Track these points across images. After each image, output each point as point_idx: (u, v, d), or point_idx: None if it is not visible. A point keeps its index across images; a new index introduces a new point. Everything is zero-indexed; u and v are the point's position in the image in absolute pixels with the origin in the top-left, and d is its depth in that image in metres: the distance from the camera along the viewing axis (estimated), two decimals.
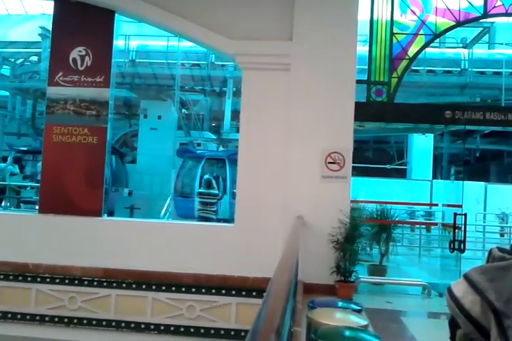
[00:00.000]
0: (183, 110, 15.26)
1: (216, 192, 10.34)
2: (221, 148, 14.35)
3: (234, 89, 13.74)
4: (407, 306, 5.82)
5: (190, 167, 12.09)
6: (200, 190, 10.52)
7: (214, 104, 15.68)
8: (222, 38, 6.15)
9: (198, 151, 12.79)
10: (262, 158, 6.07)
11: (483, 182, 15.69)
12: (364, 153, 19.13)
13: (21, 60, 15.87)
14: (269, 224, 5.95)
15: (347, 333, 2.22)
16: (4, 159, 12.97)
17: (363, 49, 7.38)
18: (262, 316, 1.42)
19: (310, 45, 5.96)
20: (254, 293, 5.90)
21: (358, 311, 2.70)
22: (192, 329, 5.96)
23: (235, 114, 14.23)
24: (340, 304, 2.86)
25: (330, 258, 5.57)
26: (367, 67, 6.52)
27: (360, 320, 2.44)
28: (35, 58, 15.53)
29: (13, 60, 15.71)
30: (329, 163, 5.79)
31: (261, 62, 6.04)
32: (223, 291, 5.96)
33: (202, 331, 5.94)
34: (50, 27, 7.10)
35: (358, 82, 6.15)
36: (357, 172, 6.00)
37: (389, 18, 6.80)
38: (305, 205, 5.76)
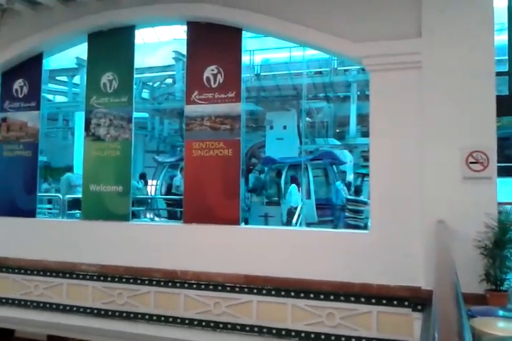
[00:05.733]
0: (307, 118, 15.42)
1: (365, 199, 10.14)
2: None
3: (358, 93, 13.56)
4: None
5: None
6: (349, 197, 10.51)
7: (337, 110, 15.61)
8: (347, 42, 6.12)
9: (279, 159, 12.94)
10: (396, 161, 5.87)
11: None
12: (504, 151, 17.47)
13: (158, 83, 17.37)
14: (407, 229, 5.73)
15: None
16: None
17: (500, 38, 6.83)
18: (435, 326, 1.38)
19: (442, 39, 5.66)
20: (395, 302, 5.71)
21: None
22: (333, 337, 5.93)
23: (360, 119, 14.03)
24: (501, 313, 2.65)
25: (477, 266, 5.16)
26: (507, 57, 6.02)
27: None
28: (169, 81, 16.90)
29: (151, 83, 17.27)
30: (471, 162, 5.40)
31: (389, 63, 5.88)
32: (362, 299, 5.85)
33: (343, 339, 5.88)
34: (181, 50, 7.66)
35: (498, 74, 5.68)
36: (498, 172, 5.53)
37: None
38: (446, 209, 5.43)
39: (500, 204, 5.56)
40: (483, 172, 5.37)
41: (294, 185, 11.53)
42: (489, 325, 2.30)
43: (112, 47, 7.76)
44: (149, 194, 14.56)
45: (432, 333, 1.31)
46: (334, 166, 12.98)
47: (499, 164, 5.56)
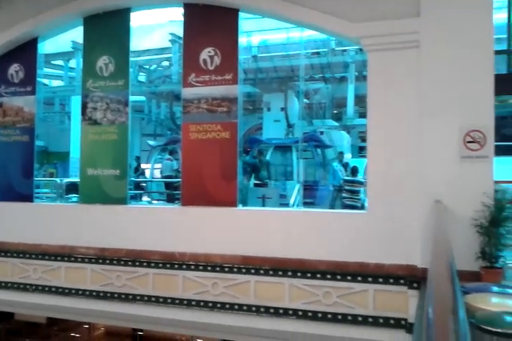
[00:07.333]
0: (305, 100, 15.33)
1: (362, 180, 10.16)
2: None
3: (356, 73, 13.47)
4: None
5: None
6: (346, 178, 10.58)
7: (335, 91, 15.51)
8: (345, 22, 6.05)
9: (265, 140, 12.93)
10: (393, 141, 5.86)
11: None
12: (501, 130, 17.40)
13: (154, 66, 17.19)
14: (404, 209, 5.74)
15: (509, 318, 2.07)
16: None
17: (499, 16, 6.75)
18: (429, 303, 1.40)
19: (440, 18, 5.59)
20: (391, 280, 5.77)
21: None
22: (329, 315, 6.01)
23: (357, 100, 13.96)
24: (494, 289, 2.67)
25: (473, 244, 5.21)
26: (506, 35, 5.96)
27: None
28: (166, 63, 16.72)
29: (147, 66, 17.09)
30: (468, 142, 5.40)
31: (388, 43, 5.82)
32: (359, 278, 5.91)
33: (339, 317, 5.96)
34: (178, 32, 7.54)
35: (497, 52, 5.63)
36: (496, 151, 5.54)
37: None
38: (443, 188, 5.45)
39: (496, 182, 5.57)
40: (480, 151, 5.37)
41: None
42: (482, 301, 2.31)
43: (107, 31, 7.66)
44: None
45: (427, 310, 1.32)
46: (323, 149, 13.02)
47: (496, 143, 5.55)
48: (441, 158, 5.53)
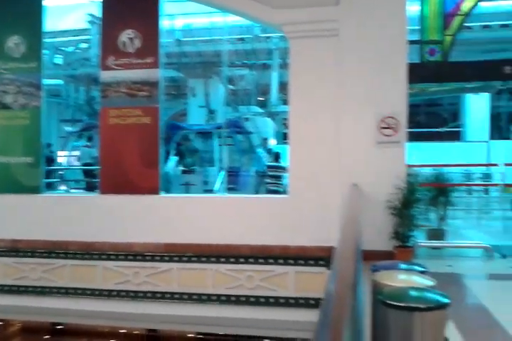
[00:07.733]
0: (230, 86, 15.26)
1: (284, 165, 10.27)
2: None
3: (280, 61, 13.58)
4: (469, 269, 5.68)
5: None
6: (270, 164, 10.67)
7: (260, 77, 15.57)
8: (268, 8, 6.03)
9: (185, 125, 13.01)
10: (313, 127, 5.98)
11: None
12: (415, 118, 18.48)
13: (72, 48, 16.30)
14: (324, 193, 5.91)
15: (413, 293, 2.18)
16: None
17: (414, 8, 7.05)
18: (335, 276, 1.43)
19: (358, 7, 5.74)
20: (311, 262, 5.94)
21: (423, 273, 2.64)
22: (252, 299, 6.09)
23: (282, 87, 14.12)
24: (402, 266, 2.81)
25: (387, 225, 5.49)
26: (419, 26, 6.25)
27: (426, 281, 2.39)
28: (85, 45, 15.90)
29: (64, 48, 16.17)
30: (383, 127, 5.63)
31: (308, 30, 5.88)
32: (281, 261, 6.03)
33: (262, 300, 6.06)
34: (97, 13, 7.20)
35: (411, 42, 5.88)
36: (409, 137, 5.85)
37: None
38: (360, 173, 5.67)
39: (409, 166, 5.88)
40: (394, 136, 5.62)
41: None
42: (390, 278, 2.42)
43: (18, 9, 7.14)
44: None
45: (329, 287, 1.35)
46: (246, 135, 13.09)
47: (410, 129, 5.84)
48: (359, 143, 5.73)
